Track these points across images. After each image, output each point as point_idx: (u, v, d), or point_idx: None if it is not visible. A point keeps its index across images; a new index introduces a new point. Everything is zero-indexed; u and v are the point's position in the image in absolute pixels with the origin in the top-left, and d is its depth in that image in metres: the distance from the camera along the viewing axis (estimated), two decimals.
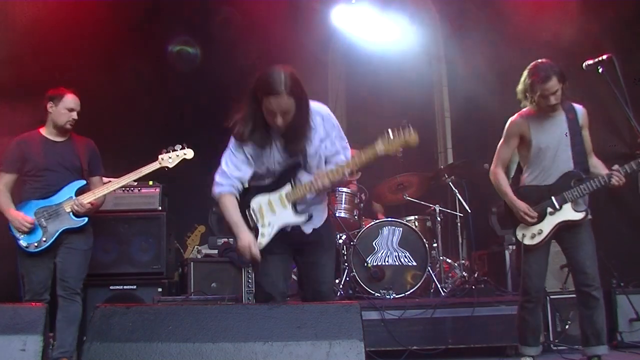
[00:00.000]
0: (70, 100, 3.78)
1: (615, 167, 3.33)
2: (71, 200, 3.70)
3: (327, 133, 2.84)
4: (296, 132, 2.71)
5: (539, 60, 3.34)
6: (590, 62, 3.24)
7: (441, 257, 5.05)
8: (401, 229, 4.87)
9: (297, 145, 2.74)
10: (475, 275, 4.92)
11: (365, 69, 6.54)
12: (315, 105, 2.82)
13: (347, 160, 2.86)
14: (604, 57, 3.18)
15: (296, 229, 2.88)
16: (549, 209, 3.39)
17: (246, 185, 2.88)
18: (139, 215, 4.70)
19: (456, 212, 5.15)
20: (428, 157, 6.97)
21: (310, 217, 2.85)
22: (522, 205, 3.39)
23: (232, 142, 2.85)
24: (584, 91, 5.07)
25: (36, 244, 3.64)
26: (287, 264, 3.05)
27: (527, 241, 3.41)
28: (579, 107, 3.45)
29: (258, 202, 2.84)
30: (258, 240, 2.77)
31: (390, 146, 2.74)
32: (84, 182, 3.82)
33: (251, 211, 2.84)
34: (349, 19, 6.03)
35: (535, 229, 3.40)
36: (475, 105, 5.63)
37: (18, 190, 3.77)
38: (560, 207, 3.37)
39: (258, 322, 2.07)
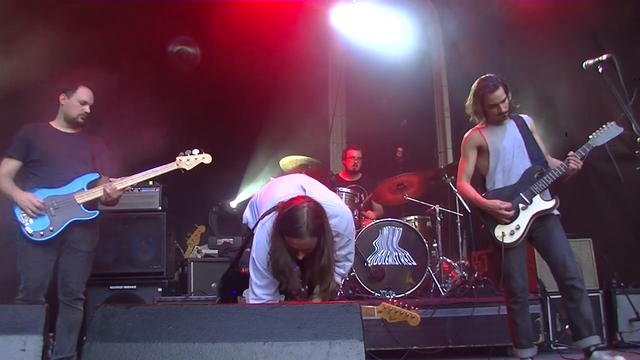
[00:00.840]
0: (83, 93, 3.73)
1: (570, 153, 3.50)
2: (83, 192, 3.63)
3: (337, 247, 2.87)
4: (313, 264, 2.75)
5: (485, 75, 3.60)
6: (590, 62, 3.25)
7: (441, 257, 5.05)
8: (401, 229, 4.88)
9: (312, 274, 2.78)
10: (475, 275, 4.92)
11: (365, 69, 6.55)
12: (334, 218, 2.80)
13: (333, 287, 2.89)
14: (604, 57, 3.18)
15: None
16: (521, 205, 3.52)
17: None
18: (139, 215, 4.71)
19: (456, 212, 5.15)
20: (428, 157, 6.97)
21: None
22: (493, 203, 3.52)
23: (254, 273, 2.81)
24: (584, 91, 5.09)
25: (42, 233, 3.52)
26: None
27: (507, 239, 3.49)
28: (525, 115, 3.71)
29: None
30: None
31: (390, 317, 2.92)
32: (97, 175, 3.76)
33: None
34: (349, 19, 6.03)
35: (512, 225, 3.51)
36: None
37: (21, 182, 3.65)
38: (531, 200, 3.51)
39: (258, 322, 2.06)
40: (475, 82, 3.63)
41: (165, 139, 5.35)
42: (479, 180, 3.72)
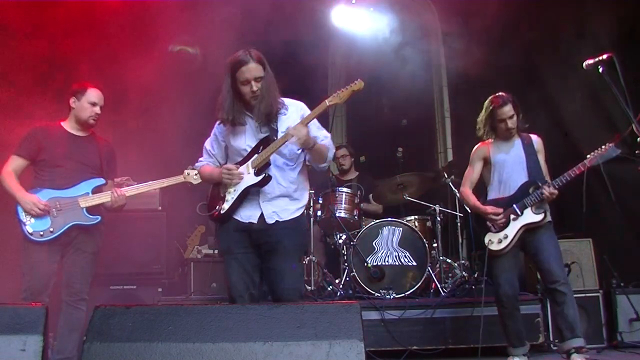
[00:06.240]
0: (93, 94, 3.70)
1: (547, 181, 3.68)
2: (87, 196, 3.61)
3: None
4: (267, 102, 3.04)
5: (497, 94, 3.80)
6: (590, 61, 3.26)
7: (441, 257, 5.05)
8: (401, 229, 4.87)
9: (269, 110, 3.04)
10: (475, 275, 4.92)
11: (365, 69, 6.54)
12: (290, 100, 3.21)
13: (328, 143, 3.22)
14: (604, 56, 3.19)
15: (258, 224, 3.03)
16: (512, 216, 3.69)
17: (222, 162, 3.27)
18: (139, 215, 4.70)
19: (456, 212, 5.15)
20: (428, 157, 6.98)
21: (267, 178, 3.05)
22: (487, 208, 3.75)
23: (215, 127, 3.29)
24: (584, 91, 5.08)
25: (42, 233, 3.49)
26: (250, 263, 3.09)
27: (494, 247, 3.68)
28: (534, 136, 3.87)
29: None
30: (222, 205, 3.11)
31: (339, 99, 3.22)
32: (103, 181, 3.73)
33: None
34: (349, 19, 6.03)
35: (501, 234, 3.70)
36: (475, 105, 5.65)
37: (27, 180, 3.63)
38: (522, 212, 3.67)
39: (258, 322, 2.07)
40: (487, 100, 3.83)
41: (165, 140, 5.35)
42: (483, 191, 3.92)
